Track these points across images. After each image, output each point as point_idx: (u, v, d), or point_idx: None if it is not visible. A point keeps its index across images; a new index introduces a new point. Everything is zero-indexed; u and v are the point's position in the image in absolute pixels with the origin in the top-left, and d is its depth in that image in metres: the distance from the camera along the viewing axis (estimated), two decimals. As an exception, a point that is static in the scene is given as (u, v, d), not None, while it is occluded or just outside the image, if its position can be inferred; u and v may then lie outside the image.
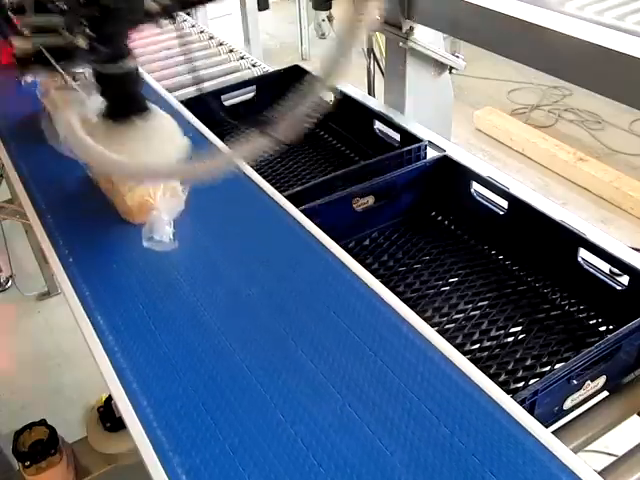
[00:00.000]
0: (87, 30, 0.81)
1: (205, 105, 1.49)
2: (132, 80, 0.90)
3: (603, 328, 1.01)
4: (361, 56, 2.01)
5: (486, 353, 0.99)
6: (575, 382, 0.83)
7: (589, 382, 0.86)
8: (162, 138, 0.93)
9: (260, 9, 3.62)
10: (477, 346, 1.01)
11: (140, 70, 0.90)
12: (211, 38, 2.09)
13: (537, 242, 1.10)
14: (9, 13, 0.87)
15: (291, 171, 1.48)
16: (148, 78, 1.52)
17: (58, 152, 1.19)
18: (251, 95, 1.59)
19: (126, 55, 0.87)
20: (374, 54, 2.09)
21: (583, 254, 1.03)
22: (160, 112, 0.96)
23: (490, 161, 1.30)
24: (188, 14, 2.53)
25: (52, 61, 0.85)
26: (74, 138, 0.83)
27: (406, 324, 0.80)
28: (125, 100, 0.91)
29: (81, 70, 0.90)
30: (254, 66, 1.87)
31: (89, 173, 1.10)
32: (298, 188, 1.19)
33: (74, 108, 0.91)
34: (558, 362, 0.96)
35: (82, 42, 0.81)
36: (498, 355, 0.98)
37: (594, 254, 1.01)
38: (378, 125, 1.43)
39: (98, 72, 0.88)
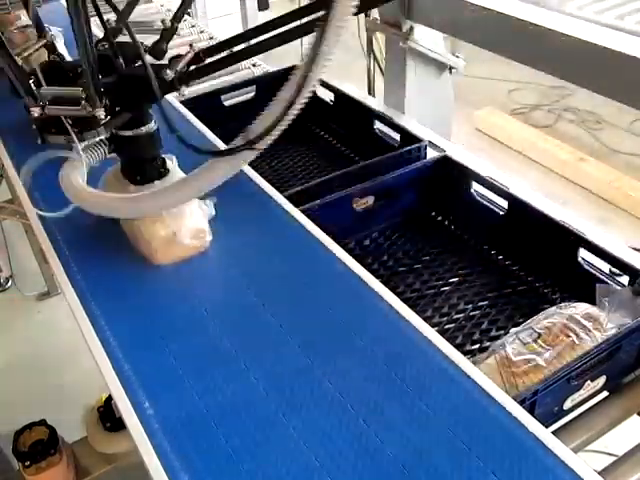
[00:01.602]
0: (106, 101, 0.81)
1: (205, 105, 1.49)
2: (151, 144, 0.89)
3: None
4: (361, 56, 2.01)
5: (486, 353, 0.99)
6: (575, 382, 0.83)
7: (589, 382, 0.86)
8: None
9: (260, 9, 3.62)
10: (477, 346, 1.01)
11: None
12: (211, 38, 2.09)
13: (537, 242, 1.10)
14: (30, 84, 0.87)
15: (291, 171, 1.48)
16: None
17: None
18: (251, 95, 1.59)
19: (146, 120, 0.87)
20: (374, 54, 2.09)
21: (583, 254, 1.03)
22: (179, 173, 0.94)
23: (490, 161, 1.30)
24: (188, 14, 2.53)
25: (70, 130, 0.84)
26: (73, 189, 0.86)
27: (406, 324, 0.80)
28: (144, 163, 0.91)
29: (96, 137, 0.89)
30: (254, 66, 1.87)
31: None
32: (298, 188, 1.19)
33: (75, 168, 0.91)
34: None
35: (101, 113, 0.80)
36: (498, 355, 0.98)
37: (594, 254, 1.01)
38: (378, 125, 1.43)
39: (116, 136, 0.87)
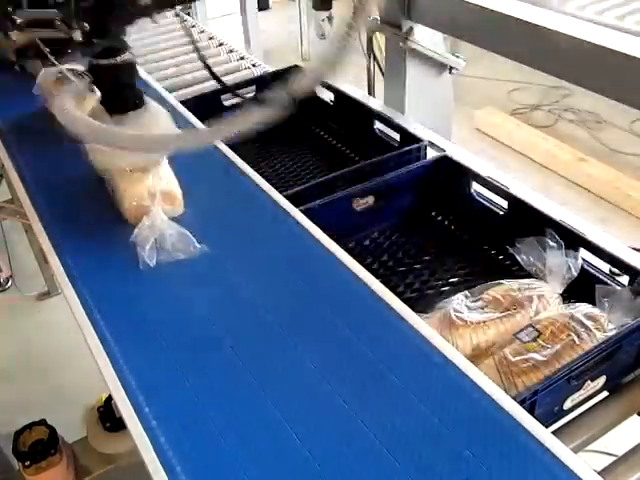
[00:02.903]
0: (83, 23, 0.81)
1: (205, 105, 1.49)
2: (127, 73, 0.91)
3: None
4: (361, 56, 2.01)
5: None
6: (575, 382, 0.83)
7: (589, 382, 0.86)
8: (155, 131, 0.94)
9: (260, 9, 3.62)
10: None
11: (136, 64, 0.91)
12: (211, 38, 2.09)
13: (537, 242, 1.10)
14: (8, 8, 0.88)
15: (291, 171, 1.48)
16: (148, 78, 1.52)
17: (58, 152, 1.19)
18: (251, 95, 1.59)
19: (123, 49, 0.88)
20: (374, 54, 2.09)
21: (583, 254, 1.03)
22: (155, 106, 0.97)
23: (490, 161, 1.30)
24: (188, 14, 2.53)
25: (47, 54, 0.85)
26: (65, 114, 0.84)
27: (406, 324, 0.80)
28: (121, 93, 0.92)
29: (77, 64, 0.91)
30: (254, 66, 1.87)
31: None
32: (298, 188, 1.19)
33: (68, 91, 0.92)
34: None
35: (78, 35, 0.81)
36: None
37: (594, 254, 1.01)
38: (378, 125, 1.43)
39: (94, 65, 0.89)
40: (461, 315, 0.89)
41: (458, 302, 0.94)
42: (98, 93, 0.95)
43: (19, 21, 0.85)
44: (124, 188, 0.98)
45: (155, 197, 0.96)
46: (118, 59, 0.88)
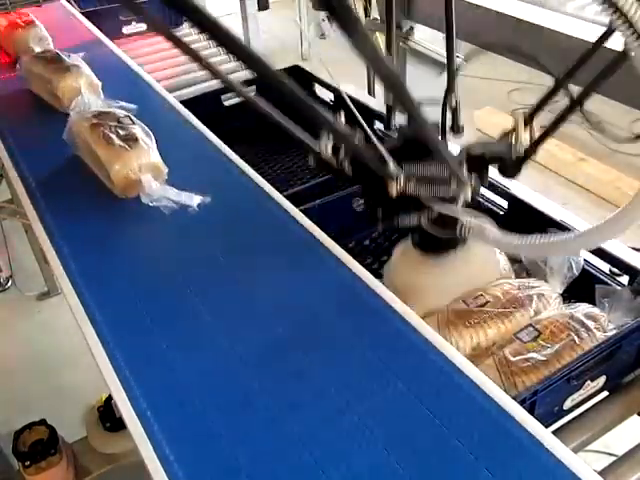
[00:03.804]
0: (473, 181, 0.78)
1: (205, 105, 1.49)
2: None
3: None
4: (361, 56, 2.00)
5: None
6: (575, 382, 0.83)
7: (589, 382, 0.86)
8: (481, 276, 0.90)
9: (260, 9, 3.62)
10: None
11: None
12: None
13: (537, 242, 1.09)
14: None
15: (291, 171, 1.48)
16: (148, 78, 1.52)
17: (58, 152, 1.19)
18: (251, 95, 1.58)
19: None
20: (374, 54, 2.09)
21: (583, 254, 1.03)
22: (478, 246, 0.93)
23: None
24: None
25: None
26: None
27: (406, 324, 0.80)
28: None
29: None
30: (254, 66, 1.87)
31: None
32: (298, 188, 1.19)
33: None
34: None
35: (467, 195, 0.78)
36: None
37: (594, 254, 1.01)
38: (378, 125, 1.43)
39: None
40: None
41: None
42: None
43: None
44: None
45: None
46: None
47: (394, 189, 0.78)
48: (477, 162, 0.82)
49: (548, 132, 0.82)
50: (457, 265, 0.93)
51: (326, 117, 0.71)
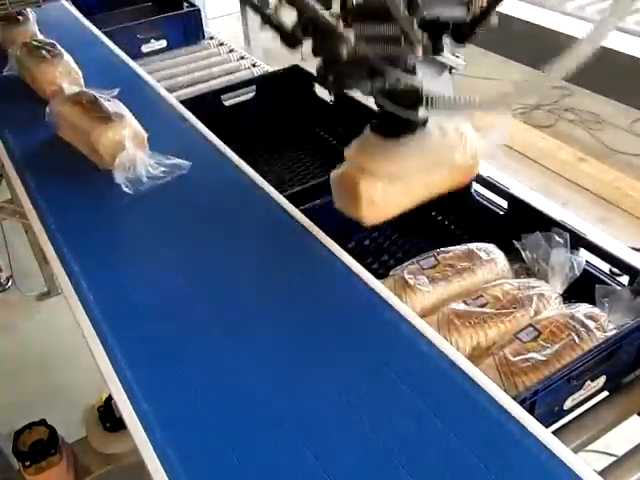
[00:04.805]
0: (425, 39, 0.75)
1: (205, 105, 1.49)
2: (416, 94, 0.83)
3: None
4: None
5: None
6: (575, 382, 0.83)
7: (589, 382, 0.86)
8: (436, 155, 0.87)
9: (260, 9, 3.61)
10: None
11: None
12: (211, 38, 2.09)
13: (537, 242, 1.10)
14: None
15: (291, 171, 1.48)
16: (148, 78, 1.52)
17: (58, 152, 1.19)
18: (251, 95, 1.59)
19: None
20: (374, 54, 2.09)
21: (583, 254, 1.03)
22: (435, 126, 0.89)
23: (490, 161, 1.30)
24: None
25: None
26: None
27: (407, 323, 0.80)
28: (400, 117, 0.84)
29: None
30: (254, 66, 1.87)
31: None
32: (298, 188, 1.19)
33: None
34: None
35: (418, 51, 0.76)
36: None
37: (594, 254, 1.01)
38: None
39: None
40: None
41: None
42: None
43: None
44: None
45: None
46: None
47: (344, 50, 0.75)
48: (431, 25, 0.80)
49: None
50: (413, 149, 0.88)
51: None
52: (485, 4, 0.77)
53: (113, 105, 1.18)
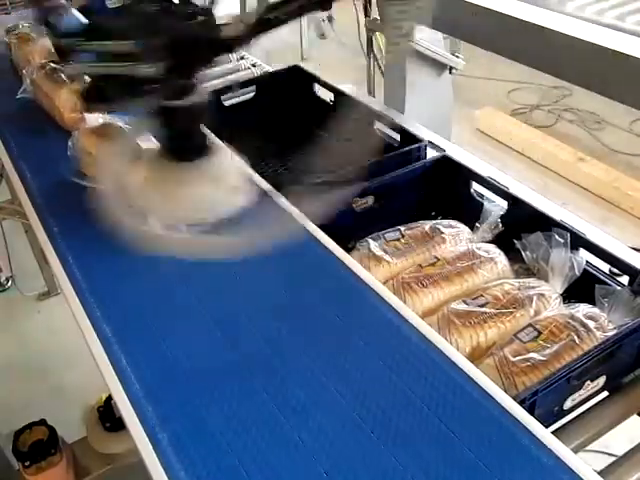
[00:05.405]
0: (164, 60, 0.73)
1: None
2: (199, 116, 0.82)
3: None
4: (361, 56, 2.01)
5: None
6: (575, 382, 0.83)
7: (589, 382, 0.86)
8: (218, 182, 0.85)
9: (260, 9, 3.60)
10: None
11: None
12: (211, 38, 2.08)
13: (537, 242, 1.09)
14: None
15: (291, 171, 1.47)
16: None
17: (57, 152, 1.19)
18: (251, 95, 1.59)
19: (194, 88, 0.79)
20: (374, 54, 2.10)
21: (583, 254, 1.03)
22: (224, 155, 0.89)
23: (490, 161, 1.30)
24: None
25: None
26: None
27: (407, 324, 0.80)
28: (189, 139, 0.84)
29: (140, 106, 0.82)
30: (254, 66, 1.87)
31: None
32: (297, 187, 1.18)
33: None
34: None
35: (157, 71, 0.73)
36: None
37: (594, 254, 1.01)
38: (378, 125, 1.43)
39: (163, 107, 0.79)
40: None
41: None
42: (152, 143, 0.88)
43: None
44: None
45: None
46: (191, 99, 0.78)
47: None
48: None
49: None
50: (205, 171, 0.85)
51: None
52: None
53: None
